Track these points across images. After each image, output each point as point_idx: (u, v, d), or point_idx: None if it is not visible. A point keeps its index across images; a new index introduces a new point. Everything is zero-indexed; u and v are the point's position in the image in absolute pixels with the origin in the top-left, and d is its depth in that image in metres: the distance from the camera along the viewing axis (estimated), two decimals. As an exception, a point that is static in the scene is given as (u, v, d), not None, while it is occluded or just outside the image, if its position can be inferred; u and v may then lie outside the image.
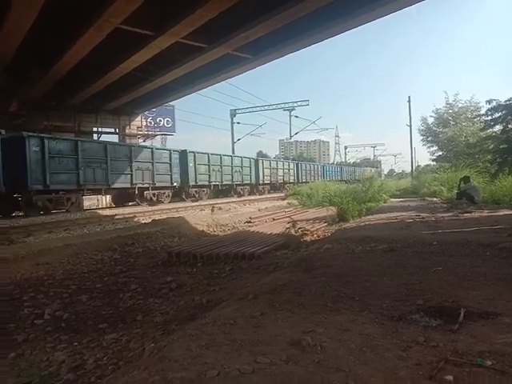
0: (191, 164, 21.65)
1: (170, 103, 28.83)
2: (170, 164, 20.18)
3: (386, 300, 3.18)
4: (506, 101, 12.98)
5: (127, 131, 25.47)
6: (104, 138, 24.23)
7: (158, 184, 19.33)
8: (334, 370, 2.04)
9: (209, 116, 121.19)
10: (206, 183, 23.10)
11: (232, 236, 9.18)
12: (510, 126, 13.59)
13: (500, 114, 13.26)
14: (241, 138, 40.25)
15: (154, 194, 19.26)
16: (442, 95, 47.99)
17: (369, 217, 10.64)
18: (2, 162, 13.16)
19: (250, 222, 12.53)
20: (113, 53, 15.48)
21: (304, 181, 34.60)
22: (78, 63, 15.89)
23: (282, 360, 2.17)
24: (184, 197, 21.66)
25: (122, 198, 19.20)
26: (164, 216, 14.07)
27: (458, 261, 4.46)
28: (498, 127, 14.86)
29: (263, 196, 26.74)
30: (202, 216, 13.67)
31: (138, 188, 18.22)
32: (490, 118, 13.97)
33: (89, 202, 20.10)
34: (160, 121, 30.68)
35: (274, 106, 41.00)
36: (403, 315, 2.83)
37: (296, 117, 42.74)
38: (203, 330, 2.77)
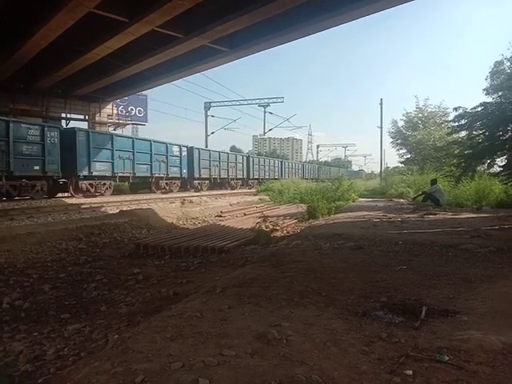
0: (81, 146, 16.26)
1: (143, 92, 28.41)
2: (44, 145, 14.62)
3: (351, 296, 3.24)
4: (471, 108, 13.44)
5: (97, 119, 24.84)
6: (73, 124, 23.53)
7: (16, 173, 13.72)
8: (299, 363, 2.06)
9: (183, 107, 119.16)
10: (108, 174, 17.90)
11: (202, 229, 9.13)
12: (474, 132, 14.09)
13: (466, 120, 13.74)
14: (215, 131, 39.90)
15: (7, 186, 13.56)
16: (412, 99, 48.93)
17: (338, 215, 10.80)
18: None
19: (220, 216, 12.49)
20: (85, 37, 15.02)
21: (256, 177, 32.13)
22: (48, 46, 15.32)
23: (248, 353, 2.18)
24: (71, 191, 16.38)
25: None
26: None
27: (422, 260, 4.60)
28: (463, 133, 15.36)
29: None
30: (171, 208, 13.51)
31: None
32: (456, 124, 14.44)
33: None
34: (132, 110, 30.16)
35: (249, 101, 40.89)
36: (367, 311, 2.89)
37: (270, 113, 42.79)
38: (169, 322, 2.75)
